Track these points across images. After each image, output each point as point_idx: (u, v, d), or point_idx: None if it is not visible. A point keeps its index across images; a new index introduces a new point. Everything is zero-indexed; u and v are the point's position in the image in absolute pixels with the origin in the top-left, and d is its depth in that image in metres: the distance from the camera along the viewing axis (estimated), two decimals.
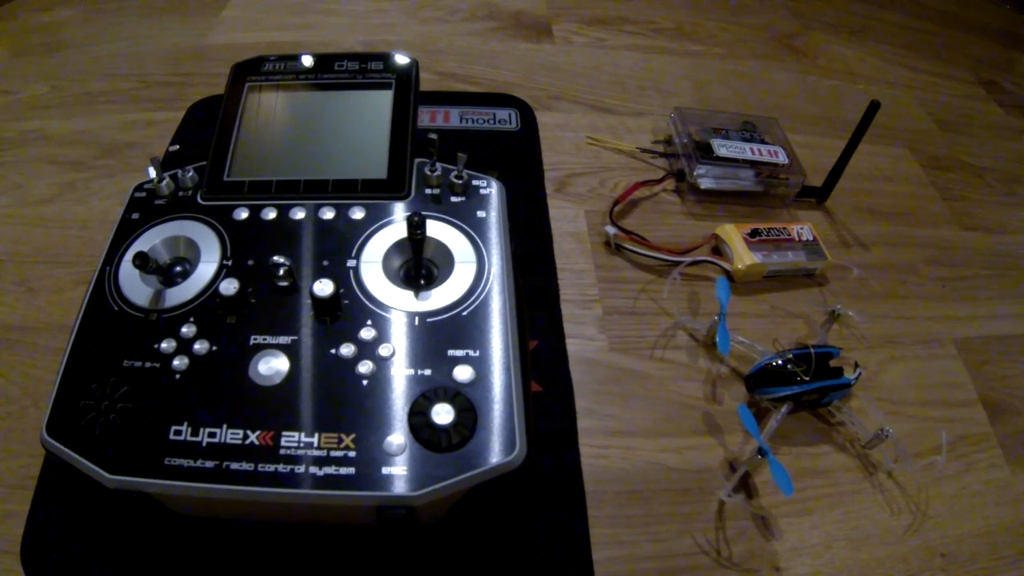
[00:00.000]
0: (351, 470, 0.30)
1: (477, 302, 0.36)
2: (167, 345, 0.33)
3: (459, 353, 0.33)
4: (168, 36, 0.72)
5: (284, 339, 0.34)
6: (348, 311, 0.35)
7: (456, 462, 0.30)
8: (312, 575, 0.35)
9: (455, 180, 0.40)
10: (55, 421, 0.31)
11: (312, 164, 0.41)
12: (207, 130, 0.42)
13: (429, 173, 0.40)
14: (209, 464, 0.30)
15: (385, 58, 0.45)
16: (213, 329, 0.34)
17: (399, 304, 0.35)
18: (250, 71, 0.44)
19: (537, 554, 0.36)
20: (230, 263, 0.37)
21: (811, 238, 0.54)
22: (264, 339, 0.34)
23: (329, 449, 0.30)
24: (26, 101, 0.63)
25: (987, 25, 0.97)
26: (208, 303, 0.35)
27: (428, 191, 0.40)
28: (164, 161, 0.40)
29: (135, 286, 0.36)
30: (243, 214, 0.39)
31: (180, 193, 0.40)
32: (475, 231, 0.39)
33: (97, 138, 0.59)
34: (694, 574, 0.37)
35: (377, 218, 0.39)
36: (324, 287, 0.34)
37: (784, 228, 0.54)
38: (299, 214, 0.39)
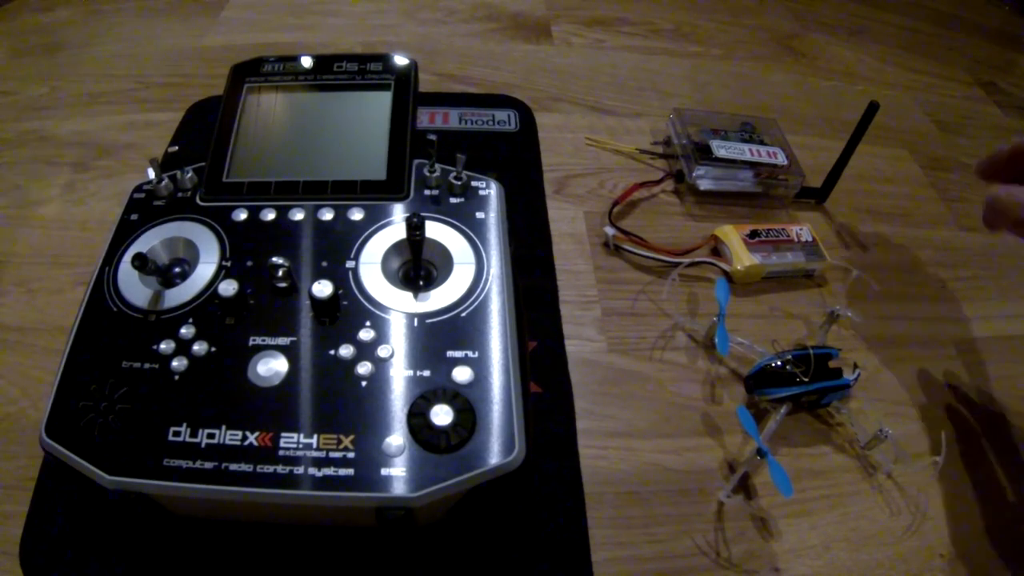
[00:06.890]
0: (350, 471, 0.30)
1: (476, 303, 0.36)
2: (166, 346, 0.33)
3: (458, 354, 0.33)
4: (167, 36, 0.72)
5: (283, 340, 0.34)
6: (347, 312, 0.35)
7: (455, 463, 0.30)
8: None
9: (454, 181, 0.40)
10: (54, 422, 0.31)
11: (311, 165, 0.41)
12: (206, 131, 0.42)
13: (428, 174, 0.40)
14: (208, 465, 0.30)
15: (384, 59, 0.45)
16: (212, 330, 0.34)
17: (398, 305, 0.35)
18: (249, 72, 0.44)
19: (536, 555, 0.36)
20: (229, 264, 0.37)
21: (810, 239, 0.54)
22: (263, 340, 0.34)
23: (328, 450, 0.30)
24: (25, 101, 0.63)
25: (986, 26, 0.97)
26: (207, 304, 0.35)
27: (427, 192, 0.40)
28: (163, 162, 0.40)
29: (134, 287, 0.36)
30: (242, 215, 0.39)
31: (179, 194, 0.40)
32: (474, 232, 0.39)
33: (96, 139, 0.59)
34: (693, 575, 0.37)
35: (376, 219, 0.39)
36: (323, 288, 0.34)
37: (783, 229, 0.54)
38: (298, 215, 0.39)
